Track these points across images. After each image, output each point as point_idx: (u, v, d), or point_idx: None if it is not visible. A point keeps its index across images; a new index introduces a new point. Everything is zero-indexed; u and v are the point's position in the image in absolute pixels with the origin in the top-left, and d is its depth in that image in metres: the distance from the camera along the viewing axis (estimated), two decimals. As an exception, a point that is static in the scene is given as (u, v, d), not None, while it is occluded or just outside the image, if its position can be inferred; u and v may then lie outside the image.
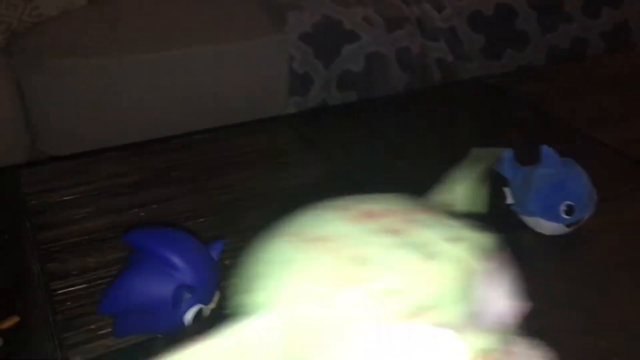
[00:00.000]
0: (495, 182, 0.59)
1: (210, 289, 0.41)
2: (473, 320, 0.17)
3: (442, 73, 1.28)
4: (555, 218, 0.58)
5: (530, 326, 0.23)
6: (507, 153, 0.61)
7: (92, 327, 0.47)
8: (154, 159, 0.70)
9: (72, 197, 0.63)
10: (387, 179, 0.67)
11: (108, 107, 1.03)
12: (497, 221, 0.58)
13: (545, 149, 0.59)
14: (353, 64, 1.15)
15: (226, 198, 0.63)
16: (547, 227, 0.59)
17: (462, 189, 0.27)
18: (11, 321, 0.45)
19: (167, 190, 0.64)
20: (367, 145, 0.75)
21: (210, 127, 0.80)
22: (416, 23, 1.23)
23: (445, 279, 0.18)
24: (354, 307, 0.18)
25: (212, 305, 0.41)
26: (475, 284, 0.18)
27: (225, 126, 0.79)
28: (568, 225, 0.59)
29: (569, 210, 0.58)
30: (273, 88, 1.12)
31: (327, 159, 0.71)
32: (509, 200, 0.61)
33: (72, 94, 1.01)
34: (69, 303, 0.49)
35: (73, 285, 0.51)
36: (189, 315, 0.39)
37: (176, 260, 0.38)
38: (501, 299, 0.19)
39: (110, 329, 0.44)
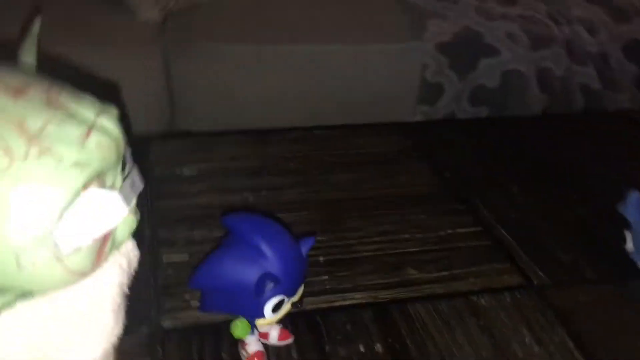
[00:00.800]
0: (618, 223, 0.56)
1: (295, 283, 0.42)
2: (129, 183, 0.22)
3: (585, 100, 1.21)
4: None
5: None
6: (633, 195, 0.57)
7: (187, 297, 0.50)
8: (272, 147, 0.73)
9: (191, 172, 0.67)
10: (494, 202, 0.65)
11: (242, 93, 1.08)
12: (614, 266, 0.55)
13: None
14: (489, 80, 1.12)
15: (332, 196, 0.65)
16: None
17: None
18: (117, 277, 0.49)
19: (278, 179, 0.67)
20: (483, 165, 0.73)
21: (333, 124, 0.82)
22: (564, 44, 1.17)
23: (106, 148, 0.21)
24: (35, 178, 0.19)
25: (294, 299, 0.43)
26: (125, 153, 0.22)
27: (345, 125, 0.80)
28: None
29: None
30: (402, 94, 1.11)
31: (438, 172, 0.71)
32: (629, 246, 0.57)
33: (212, 76, 1.07)
34: (170, 271, 0.53)
35: (177, 254, 0.55)
36: (269, 305, 0.41)
37: (265, 248, 0.40)
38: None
39: (200, 302, 0.47)
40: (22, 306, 0.21)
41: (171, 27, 1.08)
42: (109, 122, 0.22)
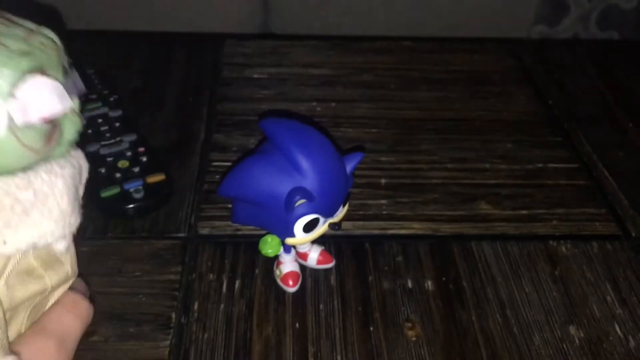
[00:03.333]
0: None
1: (334, 202, 0.37)
2: (71, 82, 0.25)
3: None
4: None
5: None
6: None
7: (229, 206, 0.47)
8: (352, 56, 0.66)
9: (261, 76, 0.62)
10: (600, 137, 0.56)
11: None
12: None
13: None
14: (624, 0, 0.97)
15: (408, 114, 0.58)
16: None
17: None
18: (157, 177, 0.46)
19: (351, 92, 0.61)
20: (597, 95, 0.62)
21: (434, 36, 0.74)
22: None
23: (48, 47, 0.24)
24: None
25: (333, 219, 0.37)
26: (63, 59, 0.25)
27: (439, 38, 0.72)
28: None
29: None
30: (517, 10, 0.99)
31: (541, 98, 0.61)
32: None
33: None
34: (217, 177, 0.49)
35: (228, 161, 0.51)
36: (300, 223, 0.36)
37: (300, 159, 0.35)
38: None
39: (240, 213, 0.43)
40: None
41: None
42: (49, 31, 0.25)
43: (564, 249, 0.45)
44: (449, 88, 0.62)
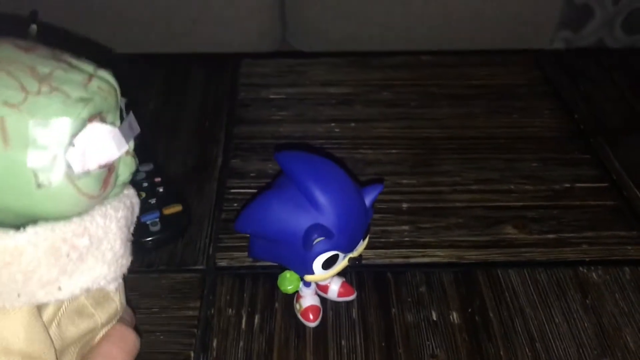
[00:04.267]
0: None
1: (353, 237, 0.36)
2: (127, 125, 0.25)
3: None
4: None
5: None
6: None
7: (248, 236, 0.46)
8: (371, 73, 0.65)
9: (277, 96, 0.61)
10: (630, 153, 0.54)
11: (360, 10, 0.99)
12: None
13: None
14: (648, 2, 0.94)
15: (429, 133, 0.56)
16: None
17: None
18: (174, 208, 0.45)
19: (370, 111, 0.59)
20: (626, 107, 0.60)
21: (448, 49, 0.72)
22: None
23: (105, 91, 0.24)
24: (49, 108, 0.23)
25: (353, 254, 0.36)
26: (122, 104, 0.25)
27: (461, 51, 0.70)
28: None
29: None
30: (540, 17, 0.96)
31: (568, 112, 0.59)
32: None
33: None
34: (236, 204, 0.49)
35: (246, 187, 0.50)
36: (319, 261, 0.35)
37: (318, 195, 0.34)
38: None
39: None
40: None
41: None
42: (107, 74, 0.25)
43: (594, 275, 0.43)
44: (470, 103, 0.61)
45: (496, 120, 0.58)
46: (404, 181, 0.51)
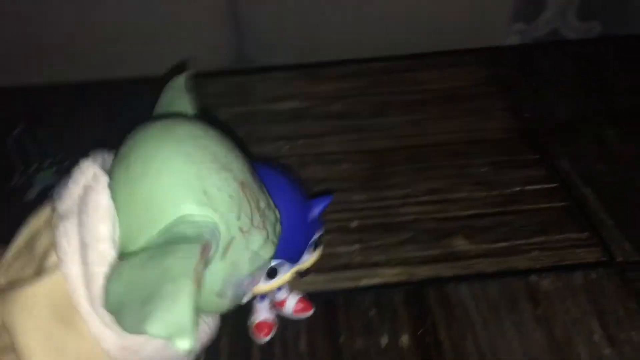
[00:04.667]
0: None
1: (298, 247, 0.35)
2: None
3: None
4: None
5: None
6: None
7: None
8: (322, 85, 0.64)
9: (227, 117, 0.60)
10: (580, 150, 0.53)
11: (308, 19, 0.98)
12: None
13: None
14: (602, -13, 0.94)
15: (380, 144, 0.56)
16: None
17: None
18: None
19: (321, 124, 0.58)
20: (578, 101, 0.60)
21: (402, 54, 0.71)
22: None
23: (277, 229, 0.31)
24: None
25: (300, 266, 0.35)
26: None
27: (413, 55, 0.69)
28: None
29: None
30: (493, 12, 0.96)
31: (518, 111, 0.59)
32: None
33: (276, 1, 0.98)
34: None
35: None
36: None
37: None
38: None
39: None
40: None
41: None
42: (275, 209, 0.31)
43: (546, 283, 0.42)
44: (422, 110, 0.60)
45: (447, 125, 0.58)
46: (354, 197, 0.50)
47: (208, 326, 0.31)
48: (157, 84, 0.64)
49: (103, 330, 0.26)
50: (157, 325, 0.22)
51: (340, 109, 0.60)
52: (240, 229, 0.27)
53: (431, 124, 0.58)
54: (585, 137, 0.55)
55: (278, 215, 0.30)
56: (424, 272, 0.44)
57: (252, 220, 0.27)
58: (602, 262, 0.43)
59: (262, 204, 0.29)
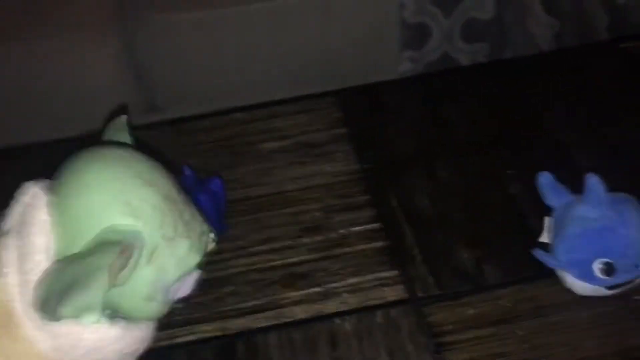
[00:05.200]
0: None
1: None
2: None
3: (610, 17, 1.03)
4: (589, 277, 0.44)
5: None
6: (542, 177, 0.47)
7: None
8: (184, 139, 0.67)
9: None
10: (408, 185, 0.56)
11: (209, 65, 1.02)
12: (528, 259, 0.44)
13: (592, 181, 0.44)
14: (480, 11, 0.98)
15: (233, 195, 0.58)
16: (577, 286, 0.45)
17: None
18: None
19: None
20: (411, 135, 0.63)
21: (275, 99, 0.74)
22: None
23: (208, 249, 0.36)
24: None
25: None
26: None
27: (275, 102, 0.72)
28: (609, 287, 0.44)
29: (608, 270, 0.43)
30: (382, 42, 1.00)
31: (359, 151, 0.61)
32: (544, 236, 0.47)
33: (177, 50, 1.02)
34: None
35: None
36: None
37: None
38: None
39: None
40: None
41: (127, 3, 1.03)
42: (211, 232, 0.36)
43: (347, 325, 0.45)
44: (273, 158, 0.63)
45: (292, 172, 0.61)
46: (189, 255, 0.53)
47: (142, 333, 0.34)
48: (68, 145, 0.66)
49: (36, 333, 0.30)
50: (69, 307, 0.28)
51: (193, 165, 0.63)
52: (164, 237, 0.31)
53: (278, 172, 0.61)
54: (416, 173, 0.58)
55: (205, 228, 0.34)
56: (238, 325, 0.46)
57: (175, 229, 0.31)
58: (402, 300, 0.46)
59: (187, 216, 0.33)
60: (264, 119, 0.69)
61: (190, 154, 0.65)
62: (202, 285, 0.49)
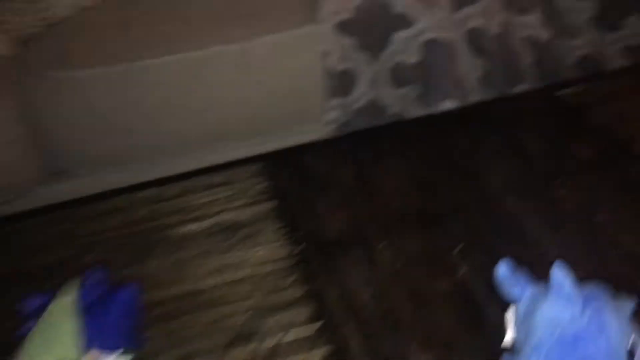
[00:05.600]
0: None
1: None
2: None
3: (535, 54, 1.01)
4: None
5: None
6: (501, 269, 0.41)
7: None
8: (84, 226, 0.57)
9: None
10: (350, 273, 0.48)
11: (119, 121, 0.92)
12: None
13: (559, 275, 0.38)
14: (407, 55, 0.93)
15: (146, 297, 0.49)
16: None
17: None
18: None
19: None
20: (346, 206, 0.56)
21: (189, 171, 0.64)
22: (497, -7, 0.97)
23: None
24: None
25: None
26: None
27: (190, 173, 0.64)
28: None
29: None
30: (307, 91, 0.93)
31: (291, 229, 0.54)
32: (508, 335, 0.41)
33: (81, 107, 0.92)
34: None
35: None
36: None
37: None
38: None
39: None
40: None
41: (25, 59, 0.92)
42: None
43: None
44: (190, 245, 0.54)
45: (212, 263, 0.52)
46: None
47: None
48: None
49: None
50: None
51: (93, 259, 0.53)
52: None
53: (195, 263, 0.52)
54: (354, 257, 0.51)
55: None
56: None
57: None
58: None
59: None
60: (176, 195, 0.60)
61: (94, 245, 0.55)
62: None
